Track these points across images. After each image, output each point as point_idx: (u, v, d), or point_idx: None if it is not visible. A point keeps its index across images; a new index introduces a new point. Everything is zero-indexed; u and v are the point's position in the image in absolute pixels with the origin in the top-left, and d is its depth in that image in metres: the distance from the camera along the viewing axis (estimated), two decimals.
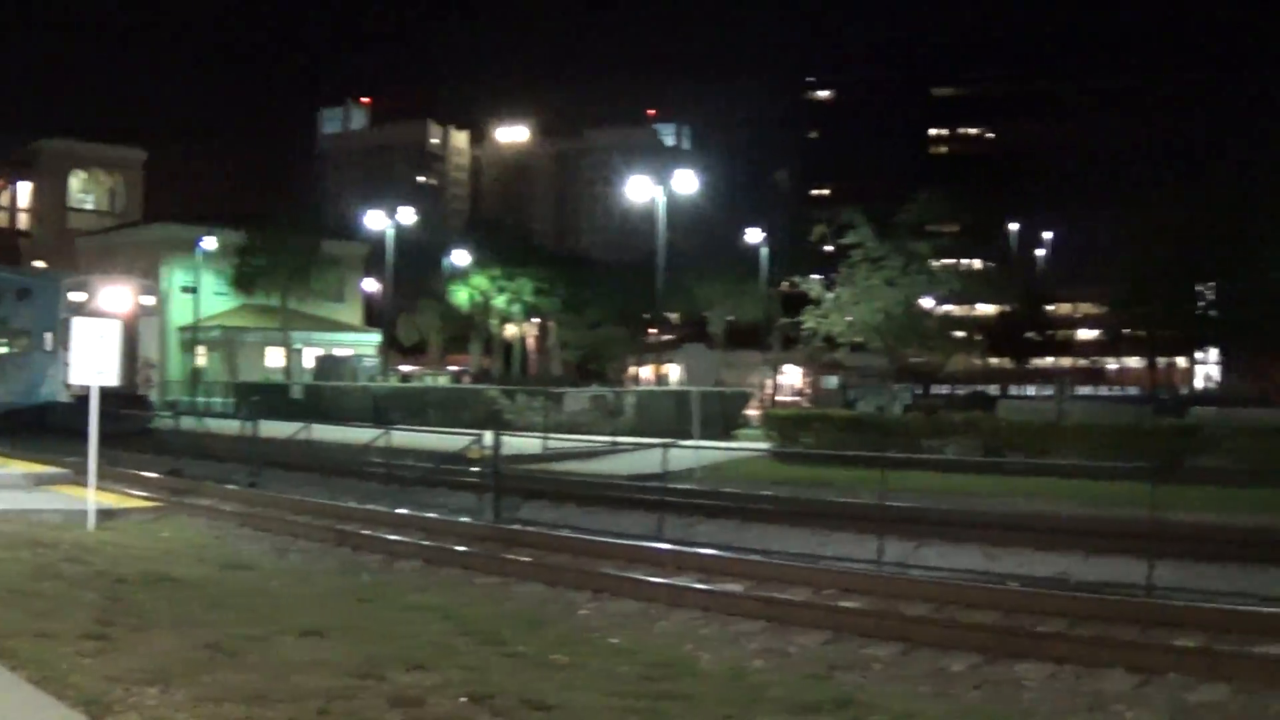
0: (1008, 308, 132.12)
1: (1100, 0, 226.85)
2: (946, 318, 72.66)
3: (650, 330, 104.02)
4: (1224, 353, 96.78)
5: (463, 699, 11.99)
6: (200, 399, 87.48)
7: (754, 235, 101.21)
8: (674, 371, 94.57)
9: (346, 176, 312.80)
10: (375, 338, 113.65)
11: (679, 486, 33.95)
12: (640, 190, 77.33)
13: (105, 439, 28.37)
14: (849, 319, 58.52)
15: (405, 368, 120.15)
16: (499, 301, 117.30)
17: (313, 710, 11.19)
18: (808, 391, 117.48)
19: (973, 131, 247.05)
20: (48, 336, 58.66)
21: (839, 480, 36.66)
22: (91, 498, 26.53)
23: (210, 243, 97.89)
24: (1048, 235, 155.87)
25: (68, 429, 42.68)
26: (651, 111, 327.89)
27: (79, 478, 30.43)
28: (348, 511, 30.14)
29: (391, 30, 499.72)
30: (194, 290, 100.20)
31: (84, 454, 27.25)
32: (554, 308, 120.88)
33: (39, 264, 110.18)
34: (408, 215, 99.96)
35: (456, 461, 36.10)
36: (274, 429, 44.47)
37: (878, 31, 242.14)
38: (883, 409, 62.17)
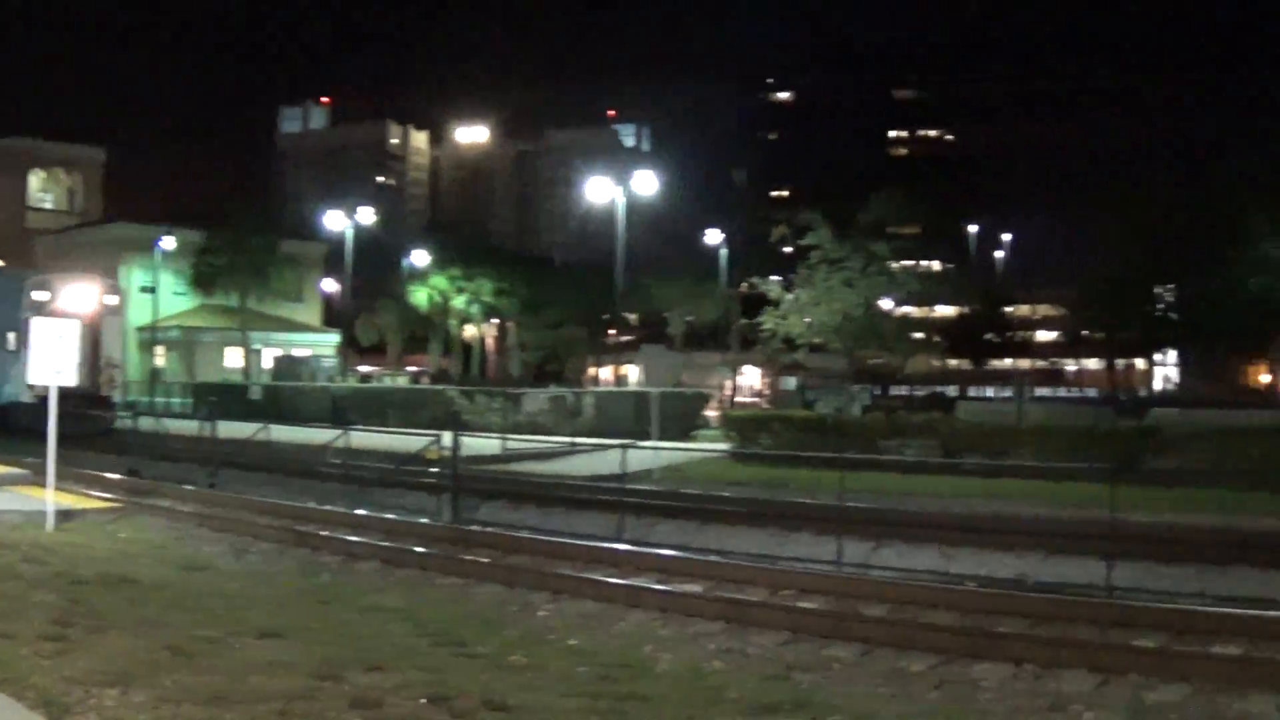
0: (966, 309, 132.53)
1: (1057, 3, 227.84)
2: (905, 319, 72.86)
3: (610, 331, 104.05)
4: (1182, 354, 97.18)
5: (422, 700, 11.97)
6: (159, 399, 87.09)
7: (714, 236, 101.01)
8: (633, 372, 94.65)
9: (306, 176, 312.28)
10: (334, 338, 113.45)
11: (638, 487, 33.88)
12: (600, 191, 77.18)
13: (68, 440, 28.31)
14: (808, 320, 58.60)
15: (364, 368, 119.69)
16: (458, 302, 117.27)
17: (272, 711, 11.16)
18: (766, 393, 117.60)
19: (932, 133, 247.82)
20: (10, 336, 58.20)
21: (797, 481, 36.74)
22: (50, 498, 26.42)
23: (169, 242, 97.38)
24: (1007, 237, 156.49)
25: (30, 430, 42.44)
26: (611, 112, 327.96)
27: (38, 478, 30.33)
28: (306, 512, 30.11)
29: (351, 30, 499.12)
30: (153, 290, 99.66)
31: (44, 455, 27.14)
32: (513, 308, 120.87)
33: None
34: (367, 215, 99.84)
35: (415, 462, 36.05)
36: (232, 429, 44.35)
37: (837, 33, 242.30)
38: (841, 410, 62.23)
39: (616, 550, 23.99)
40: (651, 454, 39.86)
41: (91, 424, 49.63)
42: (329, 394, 74.40)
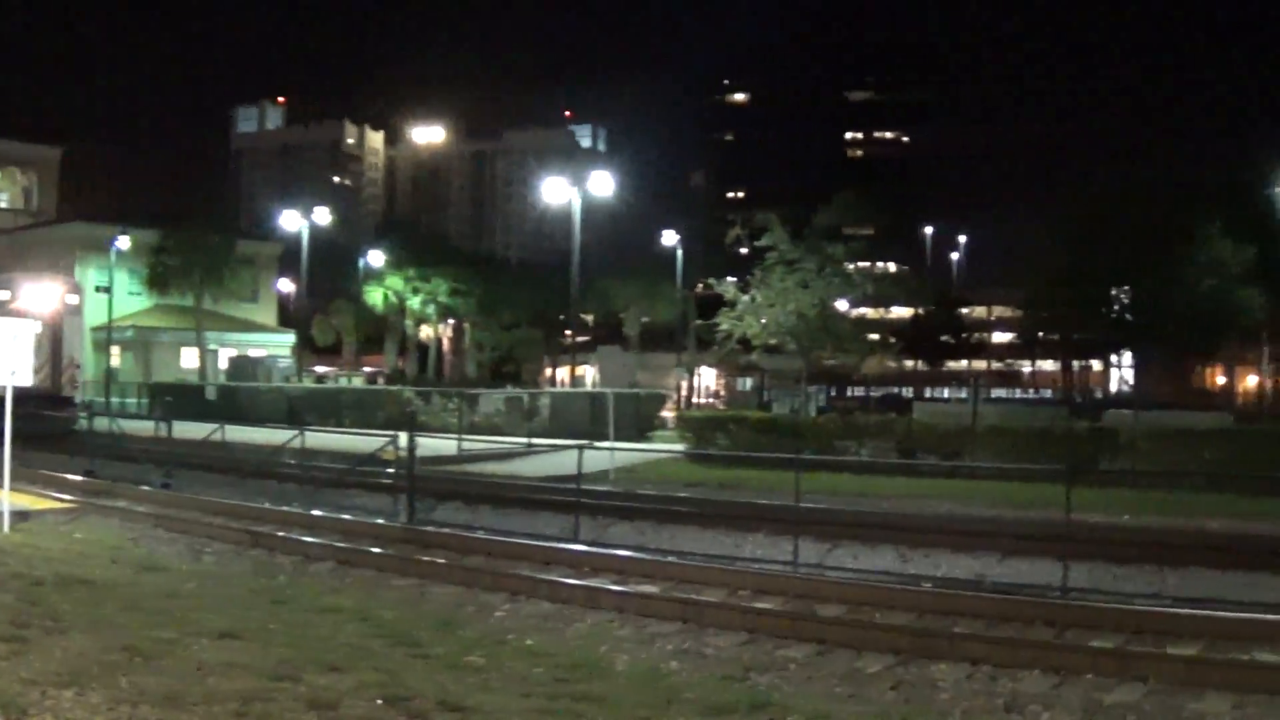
0: (922, 311, 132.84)
1: (1011, 5, 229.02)
2: (861, 320, 72.89)
3: (566, 332, 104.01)
4: (1137, 356, 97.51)
5: (379, 701, 11.96)
6: (115, 400, 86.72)
7: (670, 237, 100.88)
8: (589, 373, 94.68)
9: (261, 176, 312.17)
10: (290, 338, 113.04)
11: (594, 488, 33.97)
12: (556, 192, 77.22)
13: (28, 440, 28.15)
14: (763, 321, 58.58)
15: (320, 369, 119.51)
16: (414, 302, 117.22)
17: (229, 712, 11.13)
18: (722, 393, 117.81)
19: (888, 135, 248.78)
20: None
21: (754, 482, 36.87)
22: (5, 499, 26.26)
23: (124, 242, 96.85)
24: (962, 239, 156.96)
25: None
26: (568, 113, 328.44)
27: None
28: (262, 513, 30.02)
29: (308, 29, 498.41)
30: (108, 290, 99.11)
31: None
32: (469, 309, 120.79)
33: None
34: (323, 215, 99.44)
35: (371, 463, 35.93)
36: (188, 430, 44.22)
37: (793, 36, 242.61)
38: (797, 411, 62.28)
39: (573, 551, 24.00)
40: (608, 455, 39.91)
41: (53, 425, 49.38)
42: (285, 394, 74.17)
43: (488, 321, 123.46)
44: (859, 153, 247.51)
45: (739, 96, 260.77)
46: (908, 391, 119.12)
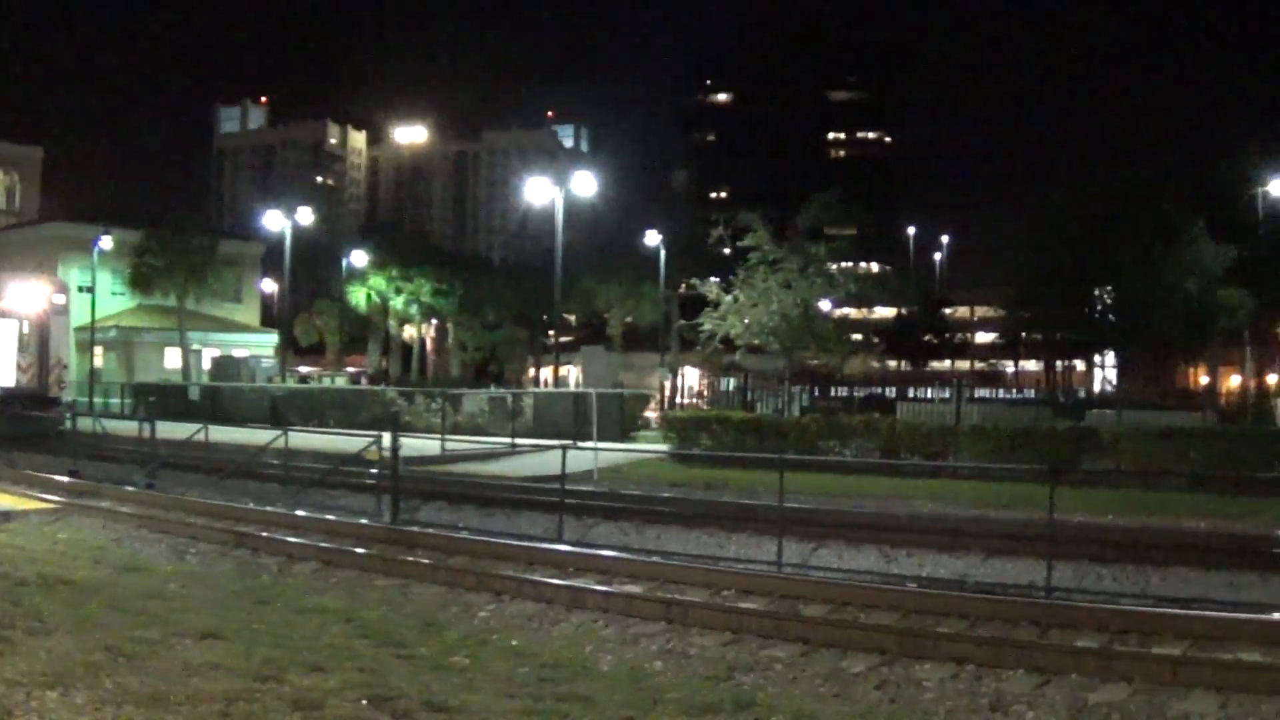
0: (905, 311, 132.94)
1: (996, 4, 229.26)
2: (844, 320, 72.94)
3: (549, 332, 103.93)
4: (1120, 356, 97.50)
5: (363, 701, 11.98)
6: (98, 400, 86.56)
7: (652, 237, 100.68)
8: (573, 373, 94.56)
9: (244, 176, 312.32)
10: (273, 338, 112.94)
11: (578, 488, 33.97)
12: (539, 192, 77.10)
13: (13, 441, 28.12)
14: (746, 321, 58.54)
15: (303, 369, 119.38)
16: (397, 302, 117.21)
17: (213, 713, 11.14)
18: (706, 393, 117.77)
19: (871, 135, 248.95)
20: None
21: (737, 482, 36.93)
22: None
23: (107, 242, 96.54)
24: (945, 239, 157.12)
25: None
26: (550, 113, 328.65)
27: None
28: (245, 513, 29.94)
29: (290, 30, 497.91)
30: (91, 290, 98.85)
31: None
32: (452, 309, 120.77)
33: None
34: (305, 215, 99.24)
35: (355, 463, 35.87)
36: (171, 430, 44.06)
37: (775, 35, 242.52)
38: (780, 411, 62.27)
39: (557, 551, 23.94)
40: (591, 455, 39.90)
41: (39, 425, 49.29)
42: (268, 394, 74.07)
43: (471, 321, 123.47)
44: (841, 153, 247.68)
45: (721, 96, 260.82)
46: (891, 392, 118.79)
